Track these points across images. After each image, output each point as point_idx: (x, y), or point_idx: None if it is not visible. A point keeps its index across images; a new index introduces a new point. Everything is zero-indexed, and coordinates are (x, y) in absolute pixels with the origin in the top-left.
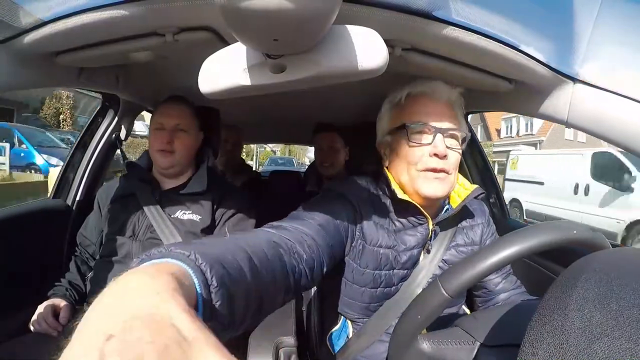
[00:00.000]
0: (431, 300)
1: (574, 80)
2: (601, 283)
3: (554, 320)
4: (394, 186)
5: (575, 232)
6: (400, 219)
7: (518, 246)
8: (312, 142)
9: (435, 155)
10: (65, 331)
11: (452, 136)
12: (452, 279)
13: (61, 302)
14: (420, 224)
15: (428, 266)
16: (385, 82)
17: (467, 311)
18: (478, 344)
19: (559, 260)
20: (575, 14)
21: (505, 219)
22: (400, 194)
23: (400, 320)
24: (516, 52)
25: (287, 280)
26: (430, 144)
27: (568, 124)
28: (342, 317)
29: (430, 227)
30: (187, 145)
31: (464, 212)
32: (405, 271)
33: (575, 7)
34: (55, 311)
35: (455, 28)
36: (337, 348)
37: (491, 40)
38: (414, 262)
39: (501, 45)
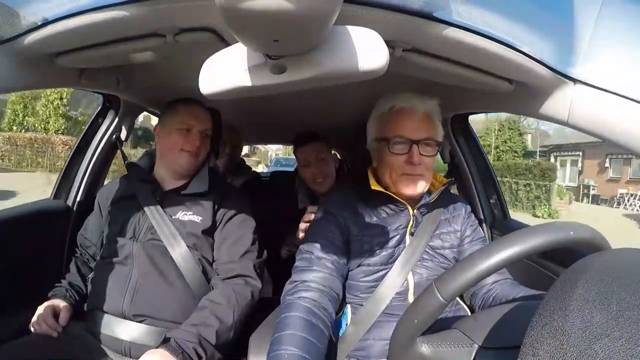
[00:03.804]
0: (427, 305)
1: (575, 80)
2: (602, 284)
3: (554, 320)
4: (371, 181)
5: (572, 232)
6: (384, 208)
7: (512, 249)
8: (295, 155)
9: (411, 163)
10: (64, 332)
11: (427, 144)
12: (448, 284)
13: (61, 303)
14: (402, 210)
15: (414, 249)
16: (386, 83)
17: (465, 307)
18: (476, 346)
19: (559, 260)
20: (575, 15)
21: (505, 219)
22: (374, 186)
23: (397, 324)
24: (516, 52)
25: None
26: (407, 153)
27: (568, 125)
28: (345, 304)
29: (411, 212)
30: (207, 150)
31: (446, 206)
32: (394, 249)
33: (576, 7)
34: (55, 312)
35: (456, 29)
36: (339, 334)
37: (492, 41)
38: (399, 242)
39: (501, 45)
